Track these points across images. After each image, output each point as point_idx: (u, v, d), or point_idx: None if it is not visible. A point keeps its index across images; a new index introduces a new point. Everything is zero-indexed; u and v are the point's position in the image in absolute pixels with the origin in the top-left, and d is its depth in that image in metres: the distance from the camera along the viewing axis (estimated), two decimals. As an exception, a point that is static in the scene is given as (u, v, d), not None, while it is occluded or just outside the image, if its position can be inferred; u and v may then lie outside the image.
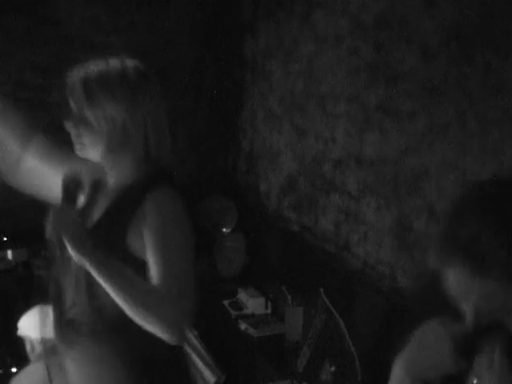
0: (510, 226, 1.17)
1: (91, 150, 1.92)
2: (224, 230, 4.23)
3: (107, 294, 1.77)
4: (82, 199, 2.00)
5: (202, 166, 4.61)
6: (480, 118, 2.38)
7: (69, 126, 1.93)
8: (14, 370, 3.28)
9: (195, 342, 3.47)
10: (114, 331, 1.93)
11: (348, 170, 3.20)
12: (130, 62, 1.95)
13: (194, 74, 4.47)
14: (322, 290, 3.08)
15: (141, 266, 1.83)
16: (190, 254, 1.86)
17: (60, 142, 2.04)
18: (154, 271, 1.79)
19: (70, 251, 1.74)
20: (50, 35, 3.86)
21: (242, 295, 3.81)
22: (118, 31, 4.06)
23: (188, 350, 3.33)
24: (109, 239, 1.88)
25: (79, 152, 1.95)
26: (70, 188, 1.89)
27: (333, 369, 2.84)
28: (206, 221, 4.24)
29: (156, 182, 1.90)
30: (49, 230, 1.78)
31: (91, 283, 1.84)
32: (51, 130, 2.04)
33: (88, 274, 1.78)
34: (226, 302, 3.81)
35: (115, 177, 1.98)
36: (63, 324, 1.99)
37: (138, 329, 1.78)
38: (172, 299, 1.75)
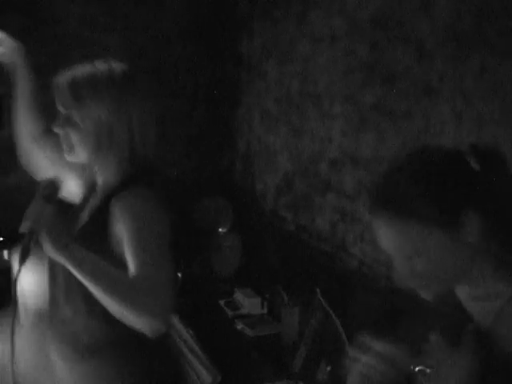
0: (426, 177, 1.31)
1: (79, 151, 1.95)
2: (220, 229, 4.23)
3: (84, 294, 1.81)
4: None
5: (198, 166, 4.60)
6: (476, 119, 2.38)
7: (57, 127, 1.96)
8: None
9: (191, 341, 3.47)
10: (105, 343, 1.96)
11: (344, 170, 3.21)
12: (117, 64, 1.99)
13: (189, 73, 4.46)
14: (318, 289, 3.08)
15: (124, 267, 1.84)
16: (164, 248, 1.85)
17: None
18: (130, 268, 1.81)
19: (45, 245, 1.77)
20: (47, 35, 3.86)
21: (238, 295, 3.80)
22: (114, 31, 4.06)
23: (184, 349, 3.33)
24: (93, 239, 1.90)
25: (67, 153, 1.98)
26: (48, 189, 1.91)
27: (329, 369, 2.83)
28: (202, 221, 4.24)
29: (131, 182, 1.92)
30: (24, 224, 1.82)
31: (69, 280, 1.88)
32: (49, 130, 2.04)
33: (65, 271, 1.81)
34: (222, 302, 3.81)
35: (103, 177, 2.02)
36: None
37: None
38: (148, 289, 1.75)
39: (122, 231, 1.85)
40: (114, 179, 1.97)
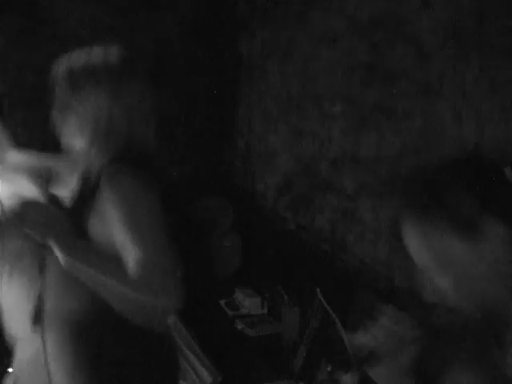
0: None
1: (77, 139, 1.94)
2: (220, 229, 4.22)
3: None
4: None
5: (198, 166, 4.60)
6: (476, 118, 2.38)
7: (55, 115, 1.97)
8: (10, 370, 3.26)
9: (191, 341, 3.47)
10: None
11: (344, 170, 3.21)
12: (115, 50, 1.99)
13: (189, 73, 4.46)
14: (318, 289, 3.08)
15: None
16: (158, 225, 1.80)
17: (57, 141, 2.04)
18: (125, 251, 1.76)
19: (37, 236, 1.77)
20: (46, 35, 3.87)
21: (239, 295, 3.81)
22: (114, 31, 4.06)
23: (184, 349, 3.33)
24: (78, 225, 1.87)
25: (65, 141, 1.98)
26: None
27: (329, 368, 2.84)
28: (202, 221, 4.24)
29: (122, 162, 1.88)
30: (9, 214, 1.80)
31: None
32: (48, 129, 2.04)
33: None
34: (222, 302, 3.81)
35: (99, 164, 1.94)
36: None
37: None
38: (155, 270, 1.71)
39: (111, 208, 1.80)
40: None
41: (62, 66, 1.94)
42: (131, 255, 1.73)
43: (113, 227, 1.80)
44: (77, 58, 1.94)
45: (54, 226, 1.78)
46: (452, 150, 2.47)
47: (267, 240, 4.00)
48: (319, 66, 3.39)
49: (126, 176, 1.83)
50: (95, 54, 1.95)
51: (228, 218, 4.27)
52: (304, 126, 3.56)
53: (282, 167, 3.84)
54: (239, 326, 3.51)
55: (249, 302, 3.69)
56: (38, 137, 2.69)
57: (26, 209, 1.79)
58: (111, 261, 1.77)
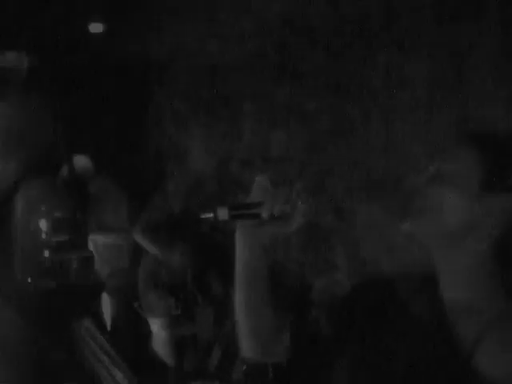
0: None
1: None
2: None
3: None
4: None
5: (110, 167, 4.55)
6: (384, 116, 2.43)
7: None
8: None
9: (106, 344, 3.42)
10: None
11: (255, 169, 3.22)
12: (23, 59, 1.91)
13: (96, 77, 4.39)
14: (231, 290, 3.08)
15: None
16: None
17: None
18: None
19: None
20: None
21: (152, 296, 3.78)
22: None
23: (98, 352, 3.28)
24: None
25: None
26: None
27: (245, 367, 2.83)
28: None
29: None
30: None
31: None
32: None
33: None
34: (136, 304, 3.78)
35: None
36: None
37: None
38: None
39: None
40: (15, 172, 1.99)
41: None
42: None
43: None
44: None
45: None
46: (360, 151, 2.51)
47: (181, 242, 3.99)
48: (228, 66, 3.39)
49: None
50: (4, 64, 1.94)
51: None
52: (214, 126, 3.56)
53: (193, 167, 3.82)
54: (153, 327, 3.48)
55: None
56: None
57: None
58: None
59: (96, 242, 4.36)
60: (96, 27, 4.47)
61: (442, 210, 1.23)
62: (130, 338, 4.07)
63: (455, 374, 1.18)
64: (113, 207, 4.35)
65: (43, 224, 4.02)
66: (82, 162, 4.32)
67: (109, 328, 4.20)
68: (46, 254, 3.87)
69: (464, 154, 1.24)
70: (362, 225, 2.71)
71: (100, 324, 3.46)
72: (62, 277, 3.70)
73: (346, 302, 1.40)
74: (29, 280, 3.26)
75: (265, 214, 1.30)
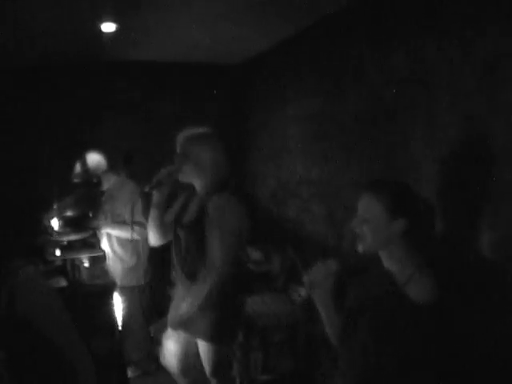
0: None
1: (193, 179, 3.12)
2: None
3: None
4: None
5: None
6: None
7: (175, 160, 3.11)
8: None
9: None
10: None
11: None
12: (207, 130, 3.10)
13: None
14: (290, 247, 4.06)
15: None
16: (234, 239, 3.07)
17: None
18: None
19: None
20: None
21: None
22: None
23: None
24: (196, 229, 3.03)
25: (183, 180, 3.09)
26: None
27: (301, 291, 4.28)
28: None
29: (217, 191, 3.11)
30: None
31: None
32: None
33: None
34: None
35: (201, 189, 3.13)
36: None
37: None
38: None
39: (211, 224, 2.90)
40: (205, 191, 3.03)
41: (180, 136, 3.01)
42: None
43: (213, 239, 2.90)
44: (190, 132, 3.04)
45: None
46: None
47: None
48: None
49: (229, 204, 2.95)
50: (200, 131, 3.06)
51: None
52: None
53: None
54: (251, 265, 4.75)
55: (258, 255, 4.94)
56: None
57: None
58: None
59: (110, 238, 4.23)
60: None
61: (368, 235, 2.12)
62: (140, 337, 3.94)
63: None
64: (127, 202, 4.23)
65: (55, 223, 3.89)
66: (94, 158, 4.23)
67: (120, 327, 4.05)
68: (58, 252, 3.73)
69: (367, 200, 2.14)
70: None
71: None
72: (74, 276, 3.63)
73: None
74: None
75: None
